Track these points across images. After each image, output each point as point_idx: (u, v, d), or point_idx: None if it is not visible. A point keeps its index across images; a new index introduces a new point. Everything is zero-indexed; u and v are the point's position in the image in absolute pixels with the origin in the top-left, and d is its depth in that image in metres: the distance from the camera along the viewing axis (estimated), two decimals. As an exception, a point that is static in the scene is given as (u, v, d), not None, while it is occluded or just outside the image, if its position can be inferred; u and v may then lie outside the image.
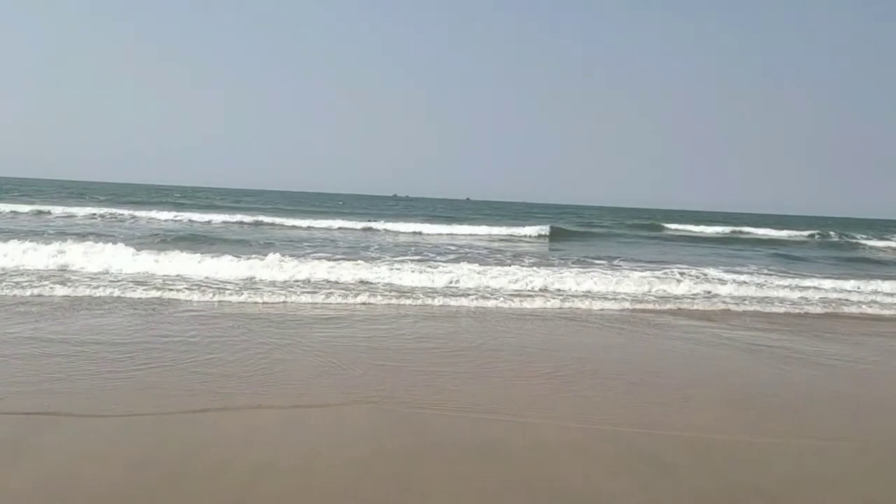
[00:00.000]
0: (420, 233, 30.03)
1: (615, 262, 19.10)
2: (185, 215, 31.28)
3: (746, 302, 12.74)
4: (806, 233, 45.52)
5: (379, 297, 11.20)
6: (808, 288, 14.52)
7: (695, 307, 12.11)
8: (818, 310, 12.54)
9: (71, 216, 28.76)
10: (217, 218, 30.56)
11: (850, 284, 15.43)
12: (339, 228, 29.98)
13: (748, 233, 43.89)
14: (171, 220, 29.89)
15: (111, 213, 30.24)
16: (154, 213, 31.06)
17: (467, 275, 13.25)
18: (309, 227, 29.62)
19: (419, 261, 16.44)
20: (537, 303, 11.36)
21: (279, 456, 4.56)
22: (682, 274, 16.02)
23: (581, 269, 15.69)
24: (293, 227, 29.49)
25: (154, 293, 10.48)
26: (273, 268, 12.87)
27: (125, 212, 30.79)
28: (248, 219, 30.51)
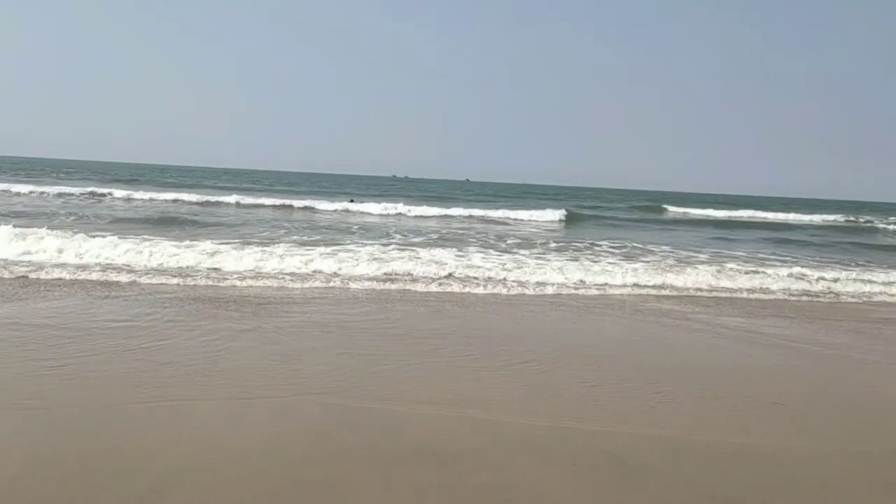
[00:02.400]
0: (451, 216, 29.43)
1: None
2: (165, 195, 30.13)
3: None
4: (832, 217, 45.02)
5: (368, 283, 10.65)
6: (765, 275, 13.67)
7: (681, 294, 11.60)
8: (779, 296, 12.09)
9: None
10: (206, 198, 29.70)
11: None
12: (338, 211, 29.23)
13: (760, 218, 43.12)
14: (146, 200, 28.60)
15: (94, 192, 29.52)
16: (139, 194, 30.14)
17: (471, 260, 12.76)
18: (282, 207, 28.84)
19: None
20: (529, 290, 10.82)
21: (200, 455, 4.11)
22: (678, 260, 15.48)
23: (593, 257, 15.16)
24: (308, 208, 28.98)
25: (112, 276, 10.00)
26: (245, 249, 12.32)
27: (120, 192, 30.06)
28: (247, 199, 29.85)
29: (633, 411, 5.31)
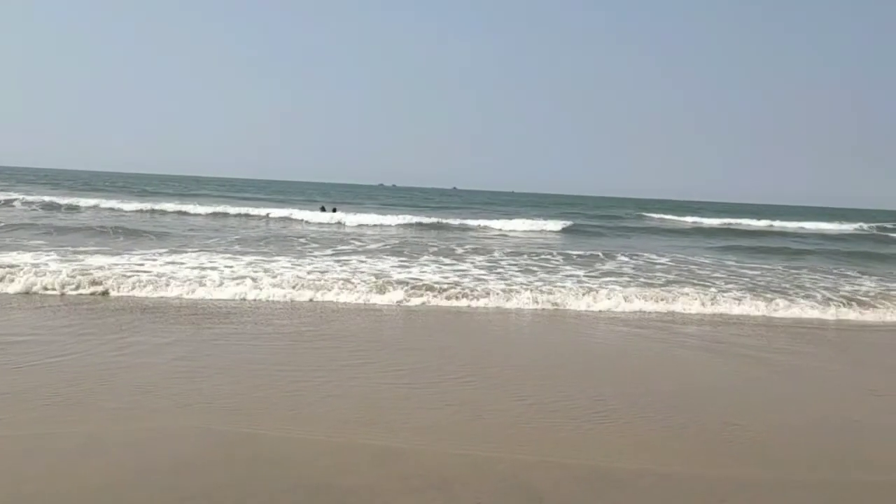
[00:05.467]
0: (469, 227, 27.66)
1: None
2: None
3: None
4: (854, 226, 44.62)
5: (298, 294, 9.83)
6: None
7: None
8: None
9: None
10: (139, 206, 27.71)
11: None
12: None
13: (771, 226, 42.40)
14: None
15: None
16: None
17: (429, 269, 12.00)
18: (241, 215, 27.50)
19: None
20: (480, 302, 9.93)
21: (41, 494, 3.43)
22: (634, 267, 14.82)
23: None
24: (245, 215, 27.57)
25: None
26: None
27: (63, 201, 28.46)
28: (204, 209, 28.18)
29: (563, 436, 4.67)
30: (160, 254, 12.74)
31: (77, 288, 9.06)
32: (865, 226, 44.79)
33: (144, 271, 10.39)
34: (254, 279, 10.02)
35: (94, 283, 9.24)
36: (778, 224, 43.55)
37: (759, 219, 48.23)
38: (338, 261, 13.17)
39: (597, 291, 10.59)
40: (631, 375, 6.41)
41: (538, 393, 5.62)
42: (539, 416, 5.04)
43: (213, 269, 11.09)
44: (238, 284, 9.61)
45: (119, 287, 9.17)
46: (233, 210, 28.02)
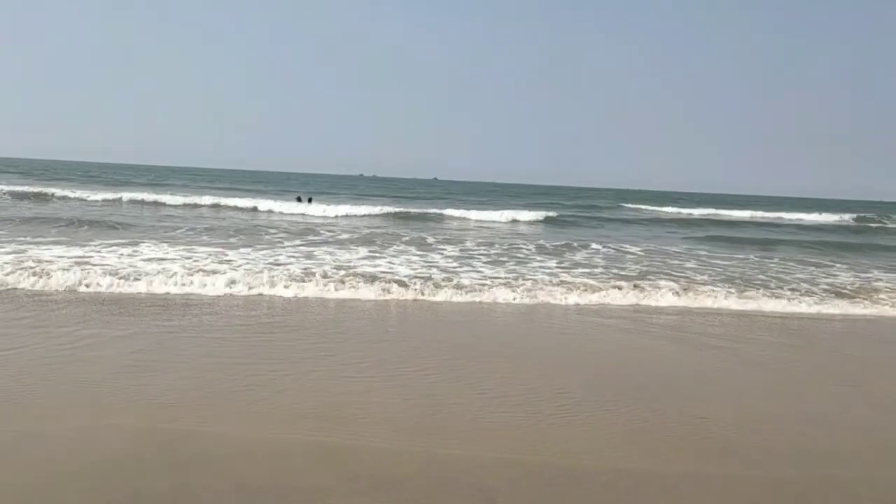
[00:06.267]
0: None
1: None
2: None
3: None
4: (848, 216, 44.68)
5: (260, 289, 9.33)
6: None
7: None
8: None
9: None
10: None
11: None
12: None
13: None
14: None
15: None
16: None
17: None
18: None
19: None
20: (448, 293, 9.55)
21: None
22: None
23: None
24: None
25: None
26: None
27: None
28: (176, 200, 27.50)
29: (524, 431, 4.51)
30: (123, 245, 12.40)
31: (20, 280, 8.65)
32: (847, 216, 45.11)
33: (104, 264, 10.03)
34: (214, 271, 9.72)
35: (35, 274, 8.82)
36: (759, 214, 43.84)
37: (741, 209, 48.48)
38: (304, 252, 12.91)
39: (567, 282, 10.46)
40: (598, 367, 6.28)
41: (501, 386, 5.46)
42: (500, 411, 4.88)
43: (175, 260, 10.80)
44: (199, 277, 9.29)
45: (68, 279, 8.75)
46: (207, 200, 27.39)
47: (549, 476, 3.82)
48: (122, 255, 11.17)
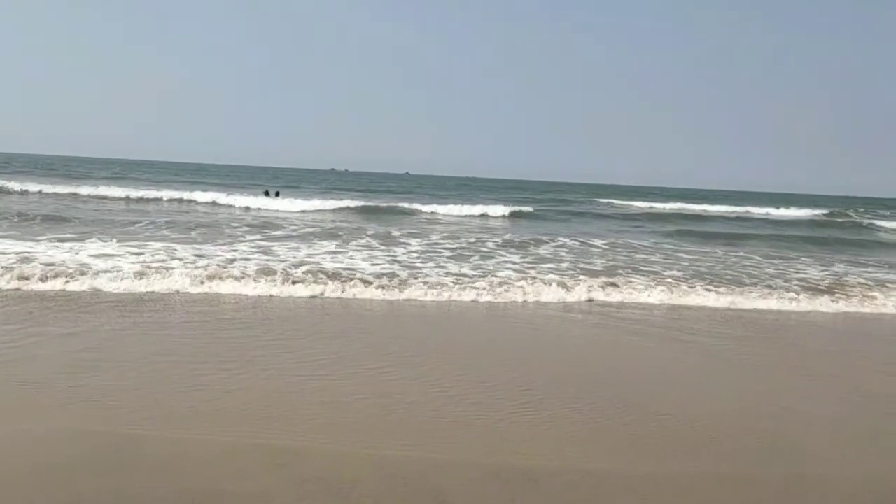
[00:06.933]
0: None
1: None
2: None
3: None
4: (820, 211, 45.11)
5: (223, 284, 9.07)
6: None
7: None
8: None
9: None
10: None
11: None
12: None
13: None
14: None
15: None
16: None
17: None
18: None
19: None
20: (411, 289, 9.29)
21: None
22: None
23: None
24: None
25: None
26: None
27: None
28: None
29: (482, 431, 4.36)
30: (75, 240, 11.97)
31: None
32: (818, 211, 45.80)
33: (49, 262, 9.55)
34: (168, 267, 9.40)
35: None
36: (727, 209, 44.26)
37: (711, 203, 48.93)
38: (264, 247, 12.53)
39: (531, 278, 10.34)
40: (561, 364, 6.16)
41: (462, 384, 5.31)
42: (459, 409, 4.73)
43: (128, 256, 10.44)
44: (152, 273, 8.95)
45: (12, 277, 8.34)
46: (172, 194, 26.57)
47: (505, 477, 3.67)
48: (72, 250, 10.72)
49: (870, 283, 12.05)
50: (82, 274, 8.66)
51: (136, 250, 11.04)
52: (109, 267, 9.28)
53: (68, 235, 12.72)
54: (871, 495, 3.79)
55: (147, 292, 8.28)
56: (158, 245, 11.83)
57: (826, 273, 13.19)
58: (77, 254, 10.40)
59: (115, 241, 12.01)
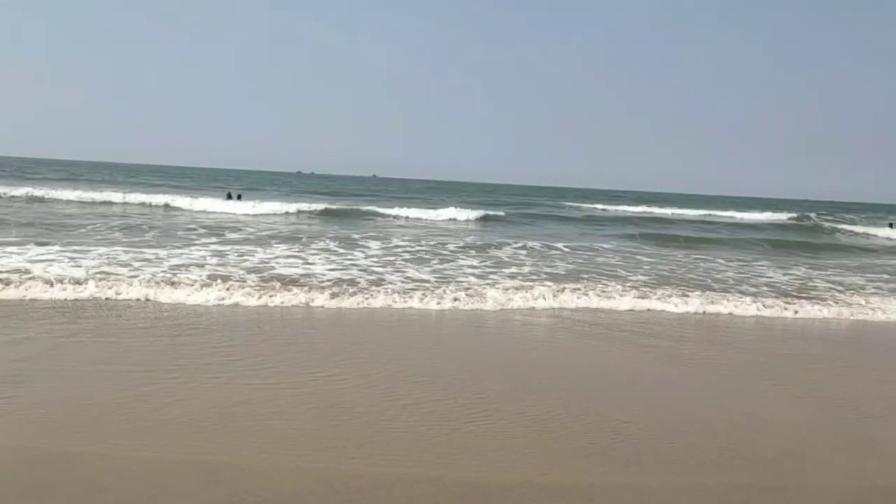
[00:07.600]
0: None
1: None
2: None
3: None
4: (785, 215, 45.65)
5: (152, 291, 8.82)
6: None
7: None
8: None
9: None
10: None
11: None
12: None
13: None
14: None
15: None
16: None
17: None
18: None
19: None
20: (359, 298, 9.20)
21: None
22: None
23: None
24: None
25: None
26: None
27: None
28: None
29: (435, 442, 4.19)
30: (18, 244, 11.46)
31: None
32: (781, 215, 46.54)
33: None
34: (117, 273, 9.05)
35: None
36: (693, 212, 44.79)
37: (679, 207, 49.49)
38: (219, 251, 12.12)
39: (492, 282, 10.21)
40: (519, 370, 6.03)
41: (416, 392, 5.14)
42: (412, 419, 4.56)
43: (77, 259, 10.04)
44: (101, 279, 8.58)
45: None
46: (127, 197, 25.66)
47: (458, 493, 3.52)
48: (11, 254, 10.23)
49: (831, 286, 12.15)
50: (21, 280, 8.24)
51: (80, 255, 10.58)
52: (52, 273, 8.86)
53: (10, 240, 12.20)
54: (830, 504, 3.72)
55: (91, 298, 7.94)
56: (106, 249, 11.39)
57: (789, 276, 13.30)
58: (17, 258, 9.93)
59: (58, 245, 11.55)
